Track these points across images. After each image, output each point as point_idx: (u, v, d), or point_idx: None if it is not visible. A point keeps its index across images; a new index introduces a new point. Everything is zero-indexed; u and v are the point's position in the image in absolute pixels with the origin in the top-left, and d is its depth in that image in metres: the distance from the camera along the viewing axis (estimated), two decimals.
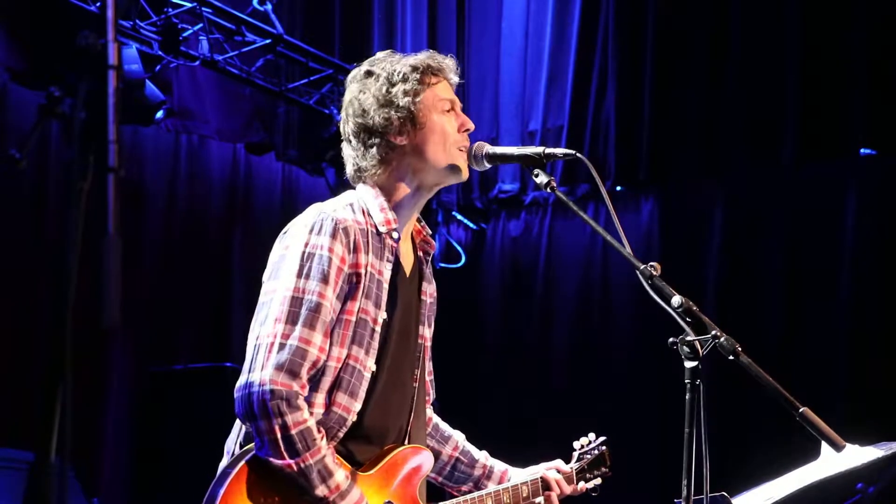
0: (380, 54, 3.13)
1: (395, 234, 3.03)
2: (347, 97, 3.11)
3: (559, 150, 3.01)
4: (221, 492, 2.78)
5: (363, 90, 3.06)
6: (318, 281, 2.84)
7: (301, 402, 2.79)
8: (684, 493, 2.52)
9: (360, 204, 3.02)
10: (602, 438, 3.51)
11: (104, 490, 6.64)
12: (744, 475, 3.40)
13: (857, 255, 7.03)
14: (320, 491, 2.79)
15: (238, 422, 2.97)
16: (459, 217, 8.62)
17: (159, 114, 6.49)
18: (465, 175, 3.11)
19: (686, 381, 2.54)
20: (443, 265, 8.39)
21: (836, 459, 2.95)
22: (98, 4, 6.07)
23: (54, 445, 1.61)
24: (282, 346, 2.79)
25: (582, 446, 3.48)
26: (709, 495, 2.55)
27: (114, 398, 6.90)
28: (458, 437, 3.41)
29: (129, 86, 6.01)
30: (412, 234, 3.18)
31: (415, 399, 3.10)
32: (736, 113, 7.45)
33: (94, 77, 1.69)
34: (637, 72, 7.81)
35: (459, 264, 8.55)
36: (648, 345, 7.33)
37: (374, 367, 2.95)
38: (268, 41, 7.11)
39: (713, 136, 7.54)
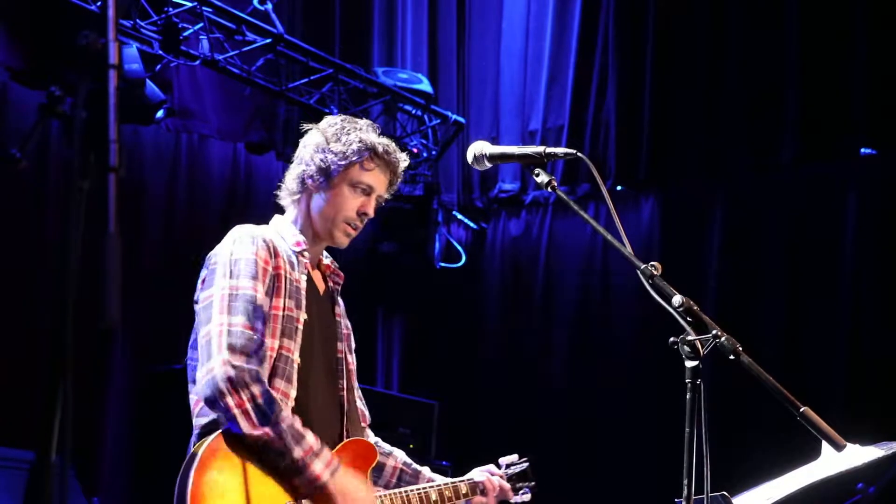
0: (363, 121, 3.41)
1: (305, 254, 3.31)
2: (311, 129, 3.44)
3: (560, 150, 3.02)
4: (192, 471, 2.92)
5: (320, 130, 3.39)
6: (249, 278, 3.11)
7: (262, 377, 3.02)
8: (685, 492, 2.52)
9: (275, 229, 3.34)
10: (525, 458, 3.70)
11: (104, 489, 6.63)
12: (744, 475, 3.40)
13: (857, 254, 7.03)
14: (297, 453, 2.99)
15: (194, 423, 3.16)
16: (460, 217, 8.61)
17: (159, 113, 6.48)
18: (339, 245, 3.37)
19: (687, 380, 2.54)
20: (443, 265, 8.39)
21: (836, 459, 2.95)
22: (98, 4, 6.07)
23: (55, 445, 1.61)
24: (230, 333, 3.02)
25: (507, 463, 3.69)
26: (709, 495, 2.55)
27: (114, 397, 6.90)
28: (400, 453, 3.62)
29: (129, 85, 6.01)
30: (321, 267, 3.45)
31: (345, 412, 3.31)
32: (736, 113, 7.45)
33: (94, 76, 1.69)
34: (637, 71, 7.81)
35: (460, 264, 8.55)
36: (649, 344, 7.33)
37: (298, 360, 3.17)
38: (268, 41, 7.11)
39: (713, 136, 7.54)
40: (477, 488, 3.52)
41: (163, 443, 6.54)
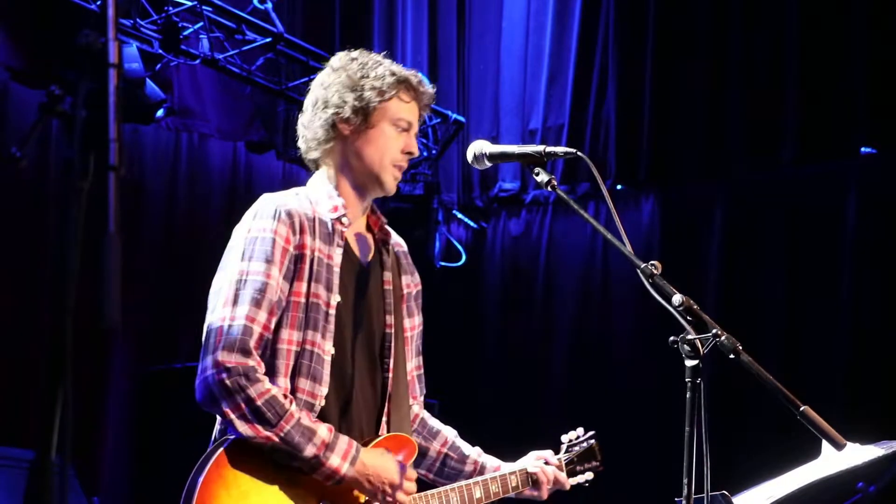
0: (375, 54, 3.15)
1: (344, 220, 3.03)
2: (324, 70, 3.16)
3: (560, 149, 3.01)
4: (201, 479, 2.78)
5: (339, 69, 3.10)
6: (262, 261, 2.88)
7: (260, 375, 2.81)
8: (685, 491, 2.52)
9: (307, 194, 3.07)
10: (591, 433, 3.50)
11: (104, 489, 6.63)
12: (745, 474, 3.40)
13: (857, 254, 7.03)
14: (308, 451, 2.80)
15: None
16: (460, 216, 8.61)
17: (159, 112, 6.48)
18: (389, 191, 3.11)
19: (687, 379, 2.54)
20: (443, 264, 8.39)
21: (836, 458, 2.95)
22: (98, 3, 6.07)
23: (55, 444, 1.60)
24: (230, 328, 2.83)
25: (570, 440, 3.47)
26: (710, 494, 2.55)
27: (114, 397, 6.90)
28: (449, 433, 3.40)
29: (129, 84, 6.01)
30: (370, 225, 3.19)
31: (389, 388, 3.09)
32: (736, 112, 7.44)
33: (94, 75, 1.68)
34: (637, 70, 7.81)
35: (460, 263, 8.55)
36: (649, 343, 7.33)
37: (332, 350, 2.95)
38: (268, 40, 7.11)
39: (714, 135, 7.53)
40: (529, 479, 3.27)
41: (162, 442, 6.55)
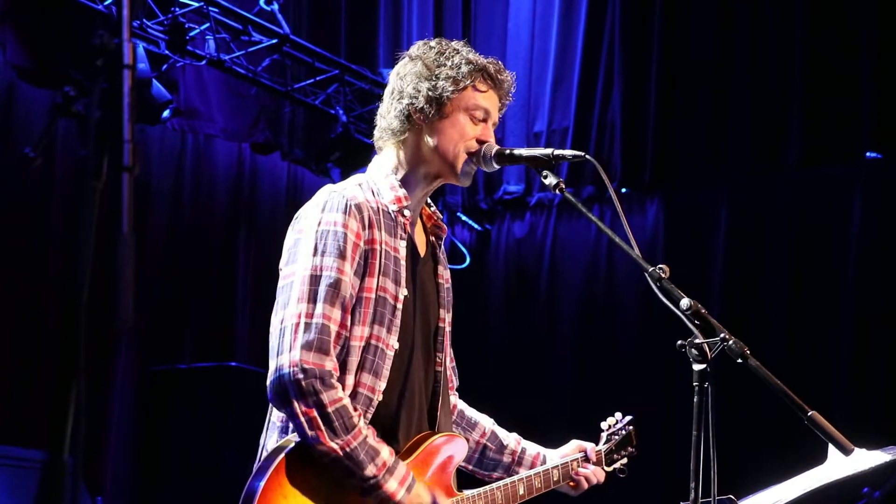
0: (456, 42, 3.10)
1: (406, 212, 2.99)
2: (402, 60, 3.11)
3: (569, 152, 3.02)
4: (261, 485, 2.74)
5: (416, 58, 3.05)
6: (335, 257, 2.83)
7: (335, 381, 2.77)
8: (692, 495, 2.52)
9: (370, 184, 3.01)
10: (629, 418, 3.48)
11: (108, 489, 6.64)
12: (751, 478, 3.39)
13: (862, 258, 7.03)
14: (369, 470, 2.77)
15: (270, 418, 2.95)
16: (464, 218, 8.61)
17: (165, 113, 6.49)
18: (462, 182, 3.07)
19: (694, 383, 2.54)
20: None
21: (843, 463, 2.94)
22: (106, 3, 6.08)
23: (67, 444, 1.61)
24: (307, 326, 2.77)
25: (609, 426, 3.46)
26: (716, 498, 2.55)
27: (118, 397, 6.90)
28: (486, 422, 3.38)
29: (135, 85, 6.00)
30: (423, 217, 3.16)
31: (441, 384, 3.08)
32: (741, 116, 7.45)
33: (108, 76, 1.69)
34: (643, 74, 7.82)
35: (464, 265, 8.55)
36: (653, 347, 7.33)
37: (396, 345, 2.93)
38: (274, 41, 7.12)
39: (719, 139, 7.54)
40: (570, 474, 3.27)
41: (166, 442, 6.56)
